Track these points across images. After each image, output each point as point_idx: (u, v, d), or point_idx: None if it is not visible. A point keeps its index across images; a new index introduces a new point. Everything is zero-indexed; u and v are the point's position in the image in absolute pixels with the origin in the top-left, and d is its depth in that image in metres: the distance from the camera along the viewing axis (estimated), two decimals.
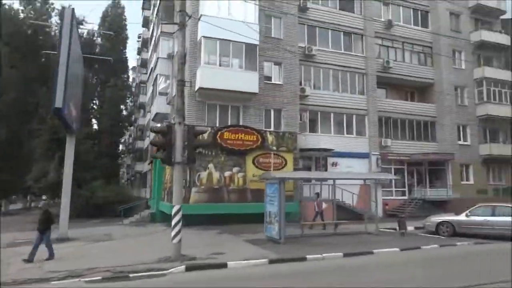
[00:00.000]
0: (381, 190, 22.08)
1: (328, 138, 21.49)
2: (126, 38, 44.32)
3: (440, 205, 21.89)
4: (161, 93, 22.93)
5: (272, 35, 20.19)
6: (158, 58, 23.71)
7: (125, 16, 44.44)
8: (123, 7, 44.46)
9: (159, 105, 23.03)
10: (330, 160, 21.32)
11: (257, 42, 18.56)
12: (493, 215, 13.04)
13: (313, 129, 21.39)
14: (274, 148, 18.34)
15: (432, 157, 22.93)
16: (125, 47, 43.99)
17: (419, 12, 25.59)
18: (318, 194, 15.50)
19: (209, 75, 17.64)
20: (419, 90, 25.98)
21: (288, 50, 20.07)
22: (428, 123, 24.74)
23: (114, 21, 42.47)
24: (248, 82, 18.24)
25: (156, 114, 23.51)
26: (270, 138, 18.33)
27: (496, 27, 27.10)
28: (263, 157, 18.16)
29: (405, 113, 24.06)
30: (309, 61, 21.47)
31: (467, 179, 24.63)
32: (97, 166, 29.12)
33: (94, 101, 41.33)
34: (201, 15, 17.98)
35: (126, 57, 44.70)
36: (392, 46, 24.40)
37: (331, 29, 22.51)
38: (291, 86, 20.15)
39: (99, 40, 42.36)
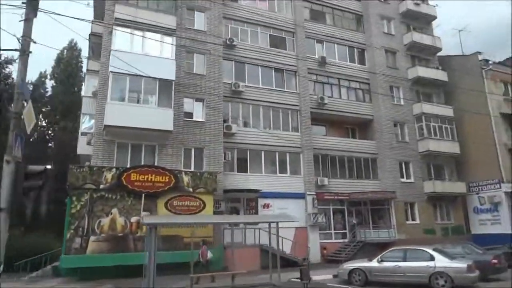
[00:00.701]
0: (318, 233, 20.63)
1: (259, 177, 20.21)
2: (82, 80, 43.60)
3: (384, 247, 20.15)
4: (83, 133, 21.49)
5: (194, 71, 19.45)
6: (82, 96, 22.56)
7: (81, 59, 43.87)
8: (80, 50, 43.97)
9: (82, 146, 21.50)
10: (262, 201, 19.90)
11: (173, 78, 17.69)
12: (404, 260, 11.65)
13: (242, 169, 20.13)
14: (191, 189, 16.86)
15: (371, 195, 21.75)
16: (80, 89, 43.10)
17: (355, 50, 25.62)
18: (203, 241, 13.88)
19: (117, 112, 16.44)
20: (360, 127, 25.38)
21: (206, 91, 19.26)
22: (369, 160, 23.87)
23: (69, 63, 41.98)
24: (161, 119, 17.10)
25: (79, 155, 21.94)
26: (185, 178, 16.89)
27: (433, 64, 27.32)
28: (177, 200, 16.60)
29: (344, 150, 23.17)
30: (237, 97, 20.67)
31: (413, 219, 23.43)
32: (38, 214, 27.40)
33: (49, 145, 40.21)
34: (110, 50, 17.13)
35: (81, 99, 43.66)
36: (328, 82, 24.01)
37: (262, 66, 22.02)
38: (215, 124, 19.11)
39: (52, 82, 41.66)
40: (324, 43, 24.55)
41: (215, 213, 17.36)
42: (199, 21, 20.32)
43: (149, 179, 16.08)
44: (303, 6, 24.47)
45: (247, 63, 21.62)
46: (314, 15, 25.05)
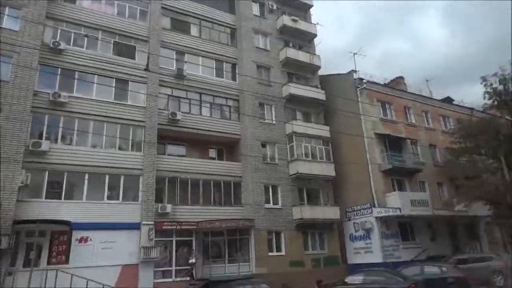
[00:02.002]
0: (152, 270, 17.33)
1: (78, 205, 16.77)
2: None
3: None
4: None
5: None
6: None
7: None
8: None
9: None
10: (78, 234, 16.40)
11: None
12: None
13: (54, 195, 16.62)
14: None
15: (220, 224, 18.87)
16: None
17: (224, 64, 23.54)
18: None
19: None
20: (228, 147, 22.92)
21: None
22: (231, 184, 21.28)
23: None
24: None
25: None
26: None
27: (313, 82, 25.90)
28: None
29: (200, 172, 20.43)
30: (57, 109, 17.41)
31: (278, 250, 20.84)
32: None
33: None
34: None
35: None
36: (186, 97, 21.52)
37: (99, 75, 19.07)
38: (13, 140, 15.58)
39: None
40: (186, 55, 22.25)
41: None
42: (12, 19, 17.17)
43: None
44: (163, 14, 22.21)
45: (78, 71, 18.59)
46: (177, 24, 22.84)
